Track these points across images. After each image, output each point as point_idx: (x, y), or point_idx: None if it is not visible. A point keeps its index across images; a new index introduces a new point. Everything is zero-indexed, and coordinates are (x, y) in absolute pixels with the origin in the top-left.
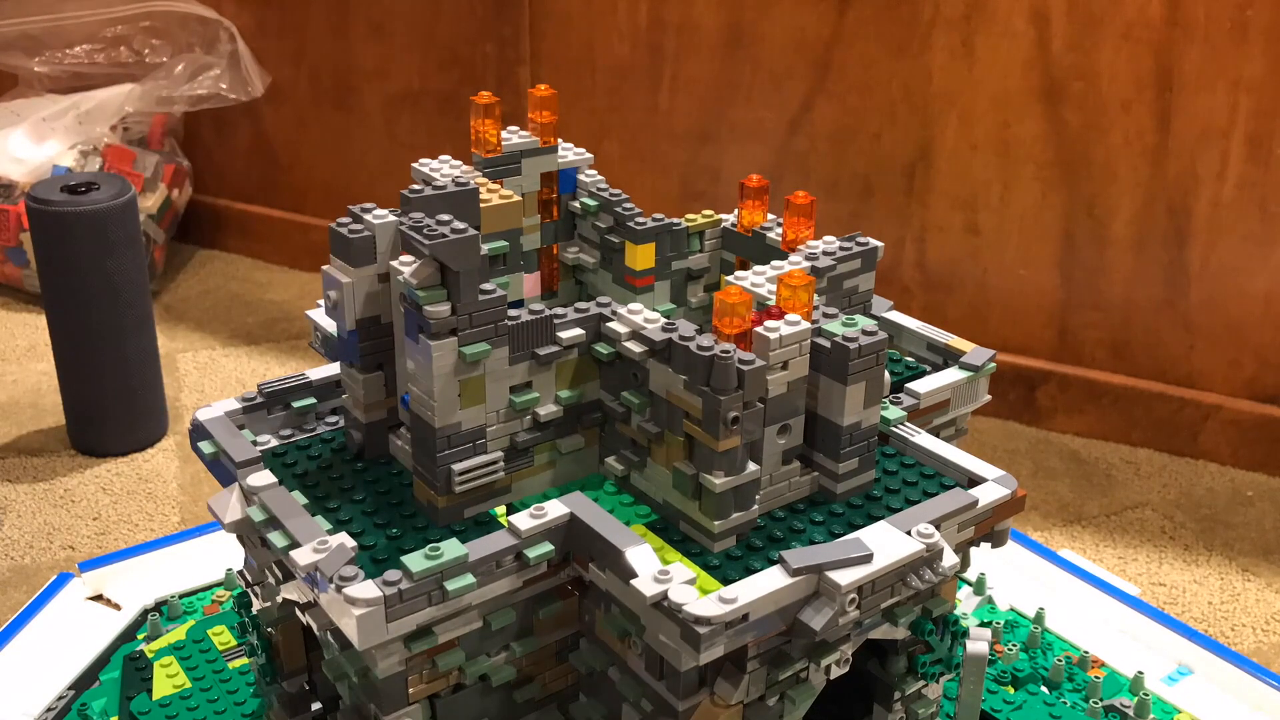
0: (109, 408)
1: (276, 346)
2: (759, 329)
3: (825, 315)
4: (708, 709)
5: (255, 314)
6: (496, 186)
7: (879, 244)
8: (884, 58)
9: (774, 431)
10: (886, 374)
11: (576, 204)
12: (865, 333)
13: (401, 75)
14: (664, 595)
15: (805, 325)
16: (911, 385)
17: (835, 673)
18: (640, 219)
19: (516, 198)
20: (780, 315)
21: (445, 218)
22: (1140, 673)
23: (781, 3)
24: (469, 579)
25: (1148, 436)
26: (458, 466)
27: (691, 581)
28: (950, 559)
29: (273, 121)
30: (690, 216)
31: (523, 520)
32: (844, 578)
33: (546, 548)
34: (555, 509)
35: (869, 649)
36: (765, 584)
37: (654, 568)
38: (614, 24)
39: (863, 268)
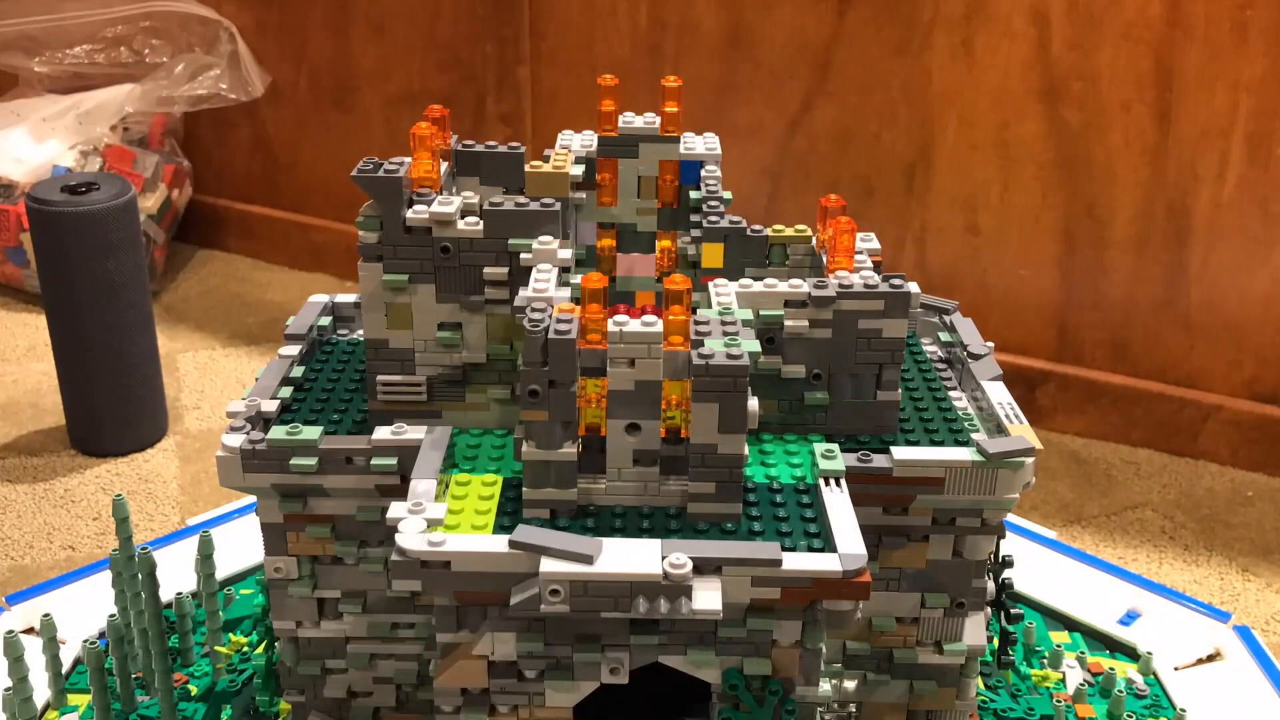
0: (109, 408)
1: (276, 346)
2: (611, 320)
3: (725, 329)
4: (462, 653)
5: (255, 314)
6: (565, 155)
7: (912, 288)
8: (884, 58)
9: (620, 426)
10: (754, 403)
11: (695, 196)
12: (730, 355)
13: (401, 75)
14: (397, 521)
15: (657, 328)
16: (896, 449)
17: (607, 677)
18: (715, 218)
19: (567, 170)
20: (659, 315)
21: (400, 160)
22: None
23: (781, 3)
24: (311, 461)
25: (1148, 436)
26: (380, 377)
27: (437, 520)
28: (706, 603)
29: (273, 121)
30: (778, 227)
31: (382, 431)
32: (551, 566)
33: (390, 460)
34: (415, 433)
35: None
36: (479, 544)
37: (422, 497)
38: (614, 24)
39: (887, 311)
